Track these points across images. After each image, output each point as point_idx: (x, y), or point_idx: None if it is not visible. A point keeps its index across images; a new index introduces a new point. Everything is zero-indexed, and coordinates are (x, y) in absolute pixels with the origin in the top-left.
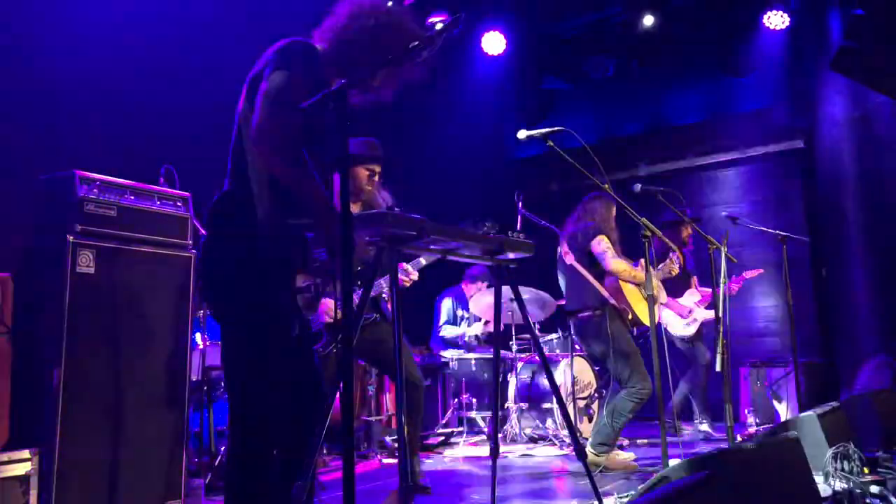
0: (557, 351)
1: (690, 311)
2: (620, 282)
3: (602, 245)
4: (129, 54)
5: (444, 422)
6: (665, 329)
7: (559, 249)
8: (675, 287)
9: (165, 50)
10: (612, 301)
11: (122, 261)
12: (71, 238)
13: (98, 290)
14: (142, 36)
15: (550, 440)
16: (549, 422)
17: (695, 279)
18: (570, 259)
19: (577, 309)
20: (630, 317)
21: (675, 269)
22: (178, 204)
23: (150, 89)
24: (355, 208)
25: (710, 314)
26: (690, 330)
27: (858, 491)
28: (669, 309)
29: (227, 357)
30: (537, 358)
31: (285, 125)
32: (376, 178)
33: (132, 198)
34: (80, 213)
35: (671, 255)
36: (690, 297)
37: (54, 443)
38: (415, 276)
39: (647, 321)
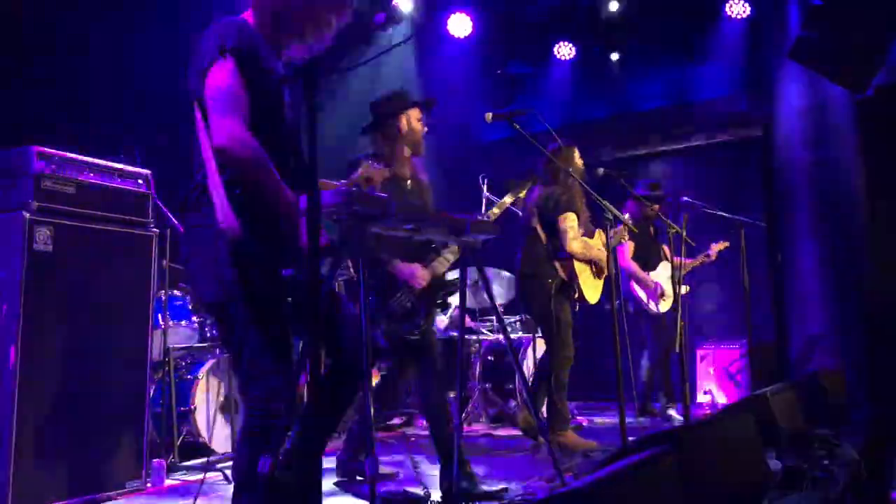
0: (521, 333)
1: (662, 292)
2: (574, 259)
3: (566, 223)
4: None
5: (407, 401)
6: (640, 301)
7: (527, 208)
8: (648, 260)
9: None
10: (563, 275)
11: (80, 239)
12: (27, 215)
13: (56, 268)
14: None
15: (513, 420)
16: (511, 402)
17: (665, 248)
18: (535, 221)
19: (529, 272)
20: (576, 294)
21: (626, 237)
22: (139, 181)
23: (113, 64)
24: (408, 153)
25: (684, 288)
26: (665, 306)
27: (807, 466)
28: (640, 288)
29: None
30: (502, 339)
31: (242, 129)
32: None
33: (91, 174)
34: (37, 189)
35: (617, 225)
36: (664, 271)
37: (11, 423)
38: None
39: (591, 299)
